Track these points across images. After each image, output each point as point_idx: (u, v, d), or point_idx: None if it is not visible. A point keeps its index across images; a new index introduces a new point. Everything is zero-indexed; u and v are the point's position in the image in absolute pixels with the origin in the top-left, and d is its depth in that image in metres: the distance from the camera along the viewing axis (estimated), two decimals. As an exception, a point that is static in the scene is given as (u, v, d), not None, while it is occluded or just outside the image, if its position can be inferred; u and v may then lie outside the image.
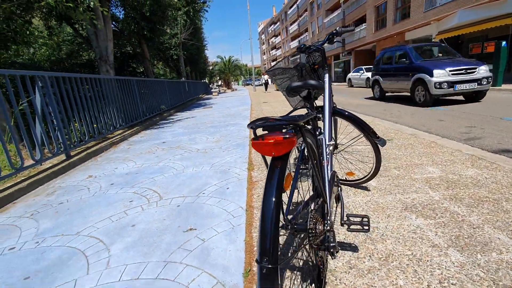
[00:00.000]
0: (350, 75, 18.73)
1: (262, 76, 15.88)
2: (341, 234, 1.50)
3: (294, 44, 46.10)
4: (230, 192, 2.20)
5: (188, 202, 2.10)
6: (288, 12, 47.49)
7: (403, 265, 1.21)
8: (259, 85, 52.04)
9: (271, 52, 69.12)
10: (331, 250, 0.91)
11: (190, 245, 1.52)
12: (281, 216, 0.87)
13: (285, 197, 0.83)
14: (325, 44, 1.67)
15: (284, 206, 0.97)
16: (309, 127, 1.19)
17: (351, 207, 1.79)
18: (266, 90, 20.43)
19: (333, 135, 1.96)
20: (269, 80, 16.47)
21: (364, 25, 22.71)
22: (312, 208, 0.96)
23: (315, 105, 1.41)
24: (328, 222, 0.95)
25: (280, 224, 0.94)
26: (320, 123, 1.36)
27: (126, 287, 1.24)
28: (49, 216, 2.13)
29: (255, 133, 0.72)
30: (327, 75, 1.64)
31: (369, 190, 2.02)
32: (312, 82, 1.02)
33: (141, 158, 3.72)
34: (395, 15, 18.84)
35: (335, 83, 26.13)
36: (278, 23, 57.73)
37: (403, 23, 17.86)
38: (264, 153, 0.70)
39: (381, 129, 4.10)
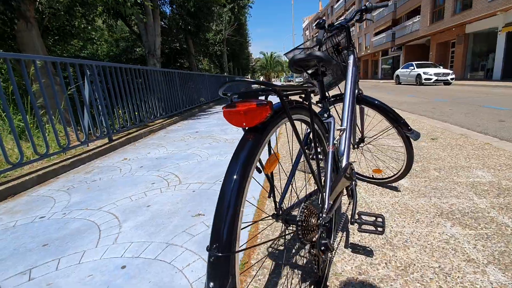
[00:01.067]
0: (398, 71, 17.33)
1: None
2: (356, 235, 1.32)
3: (340, 39, 44.12)
4: (247, 182, 2.12)
5: (204, 188, 2.07)
6: (335, 6, 45.54)
7: (426, 279, 1.01)
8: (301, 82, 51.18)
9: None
10: (322, 248, 0.77)
11: (194, 230, 1.47)
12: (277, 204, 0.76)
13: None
14: (352, 21, 1.47)
15: (283, 195, 0.86)
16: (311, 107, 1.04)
17: (374, 207, 1.58)
18: None
19: (359, 126, 1.76)
20: None
21: (418, 17, 20.79)
22: (312, 199, 0.82)
23: (325, 89, 1.24)
24: (323, 216, 0.80)
25: (272, 213, 0.83)
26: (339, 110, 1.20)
27: (125, 264, 1.23)
28: (81, 191, 2.26)
29: (231, 101, 0.61)
30: (351, 57, 1.45)
31: (399, 191, 1.78)
32: (318, 53, 0.87)
33: (173, 145, 3.82)
34: (455, 5, 16.86)
35: (381, 81, 24.48)
36: (323, 18, 55.78)
37: (463, 14, 15.91)
38: (235, 124, 0.59)
39: (425, 128, 3.66)
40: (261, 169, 0.64)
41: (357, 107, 1.68)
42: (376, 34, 30.02)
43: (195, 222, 1.55)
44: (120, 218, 1.70)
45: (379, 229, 1.01)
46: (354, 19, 1.51)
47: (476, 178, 1.89)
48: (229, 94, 0.62)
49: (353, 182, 1.17)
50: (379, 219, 1.03)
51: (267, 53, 44.32)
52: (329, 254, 0.78)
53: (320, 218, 0.80)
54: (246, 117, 0.58)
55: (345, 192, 1.17)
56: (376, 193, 1.78)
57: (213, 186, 2.09)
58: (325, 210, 0.82)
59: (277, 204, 0.83)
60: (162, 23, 14.42)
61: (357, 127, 1.79)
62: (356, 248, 1.22)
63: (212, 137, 4.18)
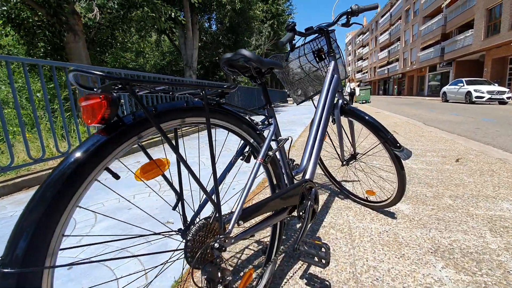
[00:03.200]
0: (445, 88, 15.93)
1: (348, 83, 13.33)
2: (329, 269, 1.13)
3: (383, 54, 42.39)
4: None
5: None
6: (380, 21, 44.07)
7: (382, 332, 0.80)
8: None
9: (357, 63, 65.34)
10: (205, 276, 0.63)
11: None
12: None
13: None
14: (333, 25, 1.32)
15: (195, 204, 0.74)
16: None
17: (355, 235, 1.36)
18: (351, 104, 12.19)
19: (350, 141, 1.56)
20: (357, 90, 12.87)
21: (471, 31, 19.10)
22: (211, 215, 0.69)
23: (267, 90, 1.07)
24: (221, 239, 0.67)
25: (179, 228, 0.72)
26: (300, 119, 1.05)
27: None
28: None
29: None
30: (332, 63, 1.30)
31: (394, 218, 1.53)
32: (245, 52, 0.76)
33: (196, 150, 3.87)
34: (515, 18, 15.18)
35: (427, 98, 22.74)
36: (367, 33, 54.21)
37: (526, 27, 14.21)
38: (85, 121, 0.51)
39: (458, 149, 3.21)
40: (116, 175, 0.54)
41: (345, 120, 1.49)
42: (423, 48, 28.21)
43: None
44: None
45: (323, 260, 0.83)
46: (339, 23, 1.36)
47: (498, 212, 1.56)
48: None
49: (309, 203, 1.00)
50: (323, 250, 0.85)
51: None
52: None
53: (218, 239, 0.66)
54: (87, 113, 0.49)
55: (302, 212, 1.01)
56: (367, 218, 1.54)
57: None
58: (227, 233, 0.68)
59: (184, 217, 0.72)
60: (205, 38, 15.19)
61: (343, 142, 1.59)
62: (313, 280, 1.03)
63: (223, 146, 4.16)
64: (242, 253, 1.24)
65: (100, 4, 4.97)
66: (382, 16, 42.63)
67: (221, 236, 0.66)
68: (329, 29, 1.33)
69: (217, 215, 0.67)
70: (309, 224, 0.98)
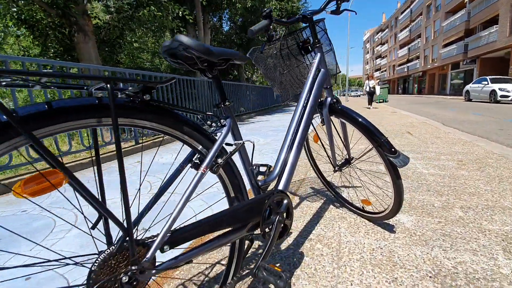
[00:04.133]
0: (468, 86, 15.07)
1: (366, 81, 11.97)
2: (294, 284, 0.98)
3: (403, 52, 40.92)
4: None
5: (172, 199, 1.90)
6: (399, 18, 42.53)
7: None
8: (356, 96, 47.87)
9: (375, 61, 63.52)
10: None
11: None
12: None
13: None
14: (320, 12, 1.16)
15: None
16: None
17: (344, 251, 1.20)
18: (370, 104, 11.20)
19: (343, 144, 1.40)
20: (378, 88, 11.19)
21: (495, 27, 17.97)
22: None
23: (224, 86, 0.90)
24: (131, 268, 0.53)
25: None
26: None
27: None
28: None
29: None
30: (317, 56, 1.14)
31: (392, 232, 1.34)
32: (183, 38, 0.62)
33: (187, 152, 3.79)
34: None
35: (449, 97, 21.69)
36: (386, 30, 52.51)
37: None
38: None
39: (477, 153, 2.92)
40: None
41: (337, 120, 1.32)
42: (446, 45, 26.90)
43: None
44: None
45: (279, 292, 0.69)
46: (327, 10, 1.19)
47: (517, 228, 1.34)
48: None
49: (277, 218, 0.85)
50: (281, 280, 0.70)
51: None
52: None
53: (129, 273, 0.53)
54: None
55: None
56: (361, 230, 1.37)
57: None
58: (144, 262, 0.54)
59: (109, 239, 0.60)
60: (217, 37, 15.17)
61: (334, 146, 1.42)
62: (282, 309, 0.88)
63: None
64: (192, 280, 1.11)
65: (109, 4, 5.01)
66: (402, 13, 41.09)
67: (133, 268, 0.53)
68: (316, 17, 1.18)
69: (127, 239, 0.54)
70: (274, 244, 0.83)
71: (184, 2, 8.46)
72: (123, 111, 0.56)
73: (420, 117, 6.96)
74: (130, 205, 0.55)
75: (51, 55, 5.69)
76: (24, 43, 8.91)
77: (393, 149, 1.09)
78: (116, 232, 0.60)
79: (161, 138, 4.86)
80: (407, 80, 43.43)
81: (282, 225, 0.88)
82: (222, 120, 0.76)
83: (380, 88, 14.83)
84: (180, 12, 5.52)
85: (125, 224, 0.53)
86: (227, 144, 0.80)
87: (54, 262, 0.52)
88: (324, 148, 1.51)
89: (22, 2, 4.19)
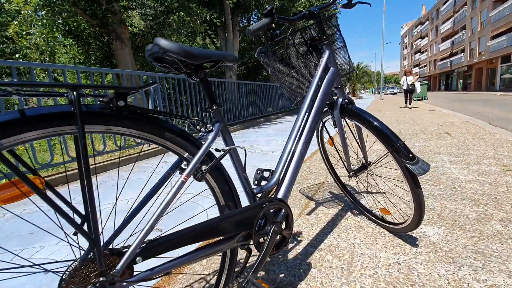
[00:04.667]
0: (523, 81, 13.42)
1: (403, 78, 9.69)
2: (300, 303, 0.91)
3: (445, 45, 37.80)
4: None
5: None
6: (441, 9, 39.36)
7: None
8: (392, 93, 44.90)
9: (413, 56, 59.53)
10: None
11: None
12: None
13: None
14: (330, 7, 1.07)
15: None
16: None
17: (355, 265, 1.10)
18: (409, 103, 9.69)
19: (359, 148, 1.29)
20: (418, 85, 9.69)
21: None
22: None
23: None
24: (99, 280, 0.51)
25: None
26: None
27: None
28: (104, 187, 2.43)
29: None
30: (326, 53, 1.05)
31: (415, 246, 1.21)
32: (162, 42, 0.59)
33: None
34: None
35: (498, 93, 19.56)
36: (426, 23, 48.90)
37: None
38: None
39: (526, 156, 2.56)
40: None
41: (350, 122, 1.22)
42: (494, 37, 24.29)
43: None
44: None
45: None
46: (338, 3, 1.10)
47: None
48: None
49: (272, 229, 0.79)
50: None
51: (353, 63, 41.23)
52: None
53: (97, 285, 0.51)
54: None
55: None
56: (379, 242, 1.25)
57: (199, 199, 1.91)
58: (114, 274, 0.52)
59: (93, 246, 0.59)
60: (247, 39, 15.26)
61: (347, 149, 1.32)
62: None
63: (252, 147, 4.02)
64: None
65: (141, 12, 5.28)
66: (444, 3, 37.93)
67: (101, 279, 0.51)
68: (327, 13, 1.09)
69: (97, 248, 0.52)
70: (267, 256, 0.77)
71: (213, 6, 8.63)
72: (98, 118, 0.54)
73: (463, 115, 6.34)
74: (99, 214, 0.53)
75: (92, 62, 6.16)
76: (72, 51, 9.75)
77: (410, 155, 0.97)
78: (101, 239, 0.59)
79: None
80: (450, 76, 40.04)
81: (280, 236, 0.82)
82: (208, 125, 0.72)
83: (420, 84, 13.30)
84: (208, 16, 5.64)
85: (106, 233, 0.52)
86: (218, 150, 0.76)
87: (26, 268, 0.52)
88: (338, 151, 1.41)
89: (65, 14, 4.59)
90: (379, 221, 1.37)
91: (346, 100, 1.15)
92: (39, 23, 5.20)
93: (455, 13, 34.66)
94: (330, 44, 1.08)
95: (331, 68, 1.08)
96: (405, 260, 1.11)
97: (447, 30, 36.99)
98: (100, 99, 0.55)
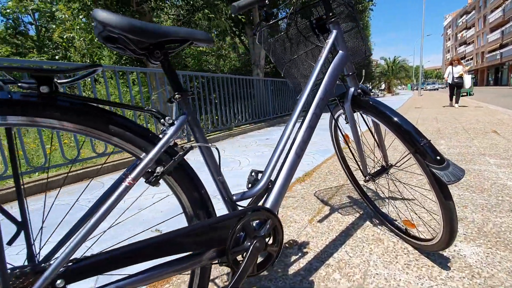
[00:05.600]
0: None
1: (448, 68, 7.37)
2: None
3: (494, 36, 34.05)
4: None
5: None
6: (491, -4, 35.43)
7: None
8: (433, 89, 41.27)
9: (457, 49, 54.58)
10: None
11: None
12: None
13: None
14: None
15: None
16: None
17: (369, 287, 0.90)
18: (455, 101, 7.65)
19: (378, 146, 1.09)
20: (467, 78, 7.59)
21: None
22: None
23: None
24: None
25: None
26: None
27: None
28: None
29: None
30: (334, 33, 0.87)
31: (446, 268, 0.98)
32: (101, 14, 0.47)
33: (232, 149, 3.76)
34: None
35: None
36: (472, 13, 44.47)
37: None
38: None
39: None
40: None
41: (366, 117, 1.02)
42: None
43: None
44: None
45: None
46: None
47: None
48: None
49: (253, 245, 0.64)
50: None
51: (388, 58, 38.65)
52: None
53: None
54: None
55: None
56: (400, 260, 1.04)
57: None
58: None
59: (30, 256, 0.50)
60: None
61: (362, 149, 1.11)
62: None
63: (273, 145, 3.87)
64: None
65: (169, 12, 5.37)
66: (495, -11, 34.10)
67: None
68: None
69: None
70: (244, 277, 0.62)
71: (240, 3, 8.54)
72: (19, 108, 0.44)
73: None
74: None
75: (123, 62, 6.44)
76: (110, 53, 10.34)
77: (438, 157, 0.75)
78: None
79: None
80: (500, 69, 36.02)
81: (265, 252, 0.67)
82: (167, 118, 0.59)
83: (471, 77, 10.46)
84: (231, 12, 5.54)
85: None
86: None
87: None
88: (351, 150, 1.20)
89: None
90: (402, 235, 1.15)
91: (359, 90, 0.95)
92: (78, 27, 5.53)
93: (505, 0, 30.97)
94: (339, 23, 0.89)
95: (340, 51, 0.89)
96: (431, 286, 0.90)
97: (497, 19, 33.20)
98: (19, 84, 0.45)
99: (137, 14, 4.97)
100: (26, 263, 0.49)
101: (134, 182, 0.51)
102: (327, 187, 1.91)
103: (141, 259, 0.52)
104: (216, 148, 0.64)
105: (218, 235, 0.60)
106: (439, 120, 5.05)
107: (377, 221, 1.36)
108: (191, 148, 0.61)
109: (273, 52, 1.10)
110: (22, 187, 0.50)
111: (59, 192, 2.33)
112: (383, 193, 1.70)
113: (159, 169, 0.55)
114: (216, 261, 0.62)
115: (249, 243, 0.64)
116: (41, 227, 0.56)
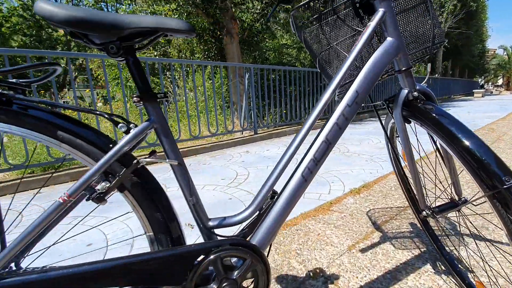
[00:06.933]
0: None
1: None
2: None
3: None
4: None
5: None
6: None
7: None
8: None
9: None
10: None
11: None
12: None
13: None
14: None
15: None
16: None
17: None
18: None
19: (448, 173, 0.79)
20: None
21: None
22: None
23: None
24: None
25: None
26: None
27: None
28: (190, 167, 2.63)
29: None
30: (380, 12, 0.63)
31: None
32: (41, 3, 0.38)
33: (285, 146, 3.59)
34: None
35: None
36: None
37: None
38: None
39: None
40: None
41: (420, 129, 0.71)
42: None
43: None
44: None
45: None
46: None
47: None
48: None
49: (221, 286, 0.50)
50: None
51: (510, 47, 29.51)
52: None
53: None
54: None
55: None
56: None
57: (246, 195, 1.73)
58: None
59: None
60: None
61: (418, 174, 0.79)
62: None
63: (337, 146, 3.50)
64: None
65: (249, 6, 5.43)
66: None
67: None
68: None
69: None
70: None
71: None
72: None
73: None
74: None
75: (202, 57, 6.95)
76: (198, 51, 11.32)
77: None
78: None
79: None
80: None
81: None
82: (132, 125, 0.49)
83: None
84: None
85: None
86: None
87: None
88: (404, 173, 0.88)
89: (185, 15, 5.24)
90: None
91: (416, 93, 0.66)
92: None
93: None
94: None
95: (388, 38, 0.63)
96: None
97: None
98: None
99: (218, 10, 5.20)
100: None
101: (72, 198, 0.44)
102: (387, 206, 1.56)
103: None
104: (181, 164, 0.52)
105: (178, 269, 0.49)
106: None
107: (442, 268, 1.00)
108: (146, 163, 0.50)
109: (305, 41, 0.89)
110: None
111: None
112: (453, 230, 1.26)
113: (104, 185, 0.47)
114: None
115: (214, 286, 0.51)
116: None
